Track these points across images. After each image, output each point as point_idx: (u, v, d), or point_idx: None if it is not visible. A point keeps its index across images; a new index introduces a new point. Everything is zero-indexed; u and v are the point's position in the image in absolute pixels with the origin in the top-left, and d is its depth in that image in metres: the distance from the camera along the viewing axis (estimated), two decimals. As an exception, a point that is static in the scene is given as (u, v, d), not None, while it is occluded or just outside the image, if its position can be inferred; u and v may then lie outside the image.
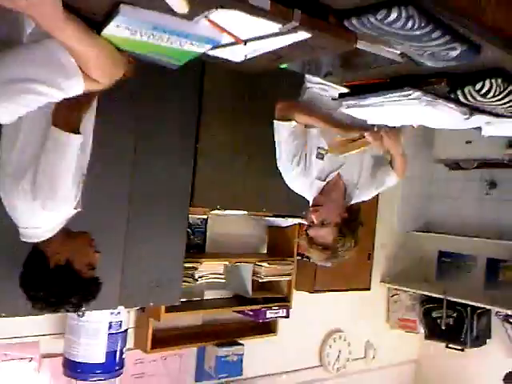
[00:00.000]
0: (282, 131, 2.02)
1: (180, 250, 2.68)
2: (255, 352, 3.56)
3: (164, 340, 3.07)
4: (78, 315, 2.55)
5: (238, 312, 3.43)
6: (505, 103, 1.52)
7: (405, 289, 4.45)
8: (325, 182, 2.09)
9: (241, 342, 3.40)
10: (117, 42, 1.20)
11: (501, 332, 4.13)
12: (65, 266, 1.60)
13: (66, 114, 1.44)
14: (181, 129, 2.65)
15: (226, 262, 3.22)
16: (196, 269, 2.99)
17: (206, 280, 3.10)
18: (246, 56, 1.31)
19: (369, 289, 4.21)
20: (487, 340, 4.24)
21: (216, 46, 1.26)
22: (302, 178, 2.07)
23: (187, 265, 2.86)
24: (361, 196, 2.22)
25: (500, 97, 1.47)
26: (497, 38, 1.26)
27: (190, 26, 1.14)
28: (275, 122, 2.04)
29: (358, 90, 1.77)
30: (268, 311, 3.39)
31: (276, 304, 3.45)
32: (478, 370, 4.28)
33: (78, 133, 1.45)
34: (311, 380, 4.04)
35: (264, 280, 3.34)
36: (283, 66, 1.44)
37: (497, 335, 4.20)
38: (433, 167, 4.73)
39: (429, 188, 4.83)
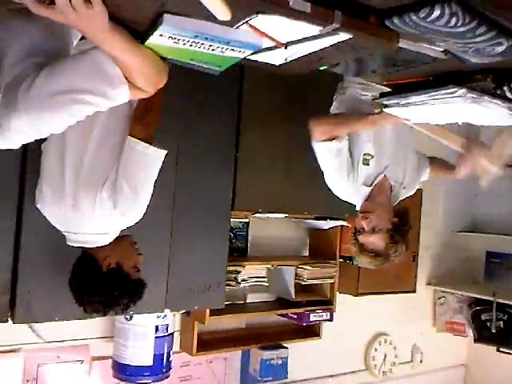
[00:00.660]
0: (323, 152, 2.02)
1: (223, 253, 2.70)
2: (300, 355, 3.55)
3: (209, 343, 3.10)
4: (126, 318, 2.62)
5: (282, 315, 3.43)
6: (555, 98, 1.47)
7: (452, 291, 4.34)
8: (371, 188, 2.07)
9: (285, 345, 3.40)
10: (160, 50, 1.23)
11: (555, 335, 3.97)
12: (116, 269, 1.67)
13: (144, 128, 1.56)
14: (221, 134, 2.68)
15: (269, 265, 3.22)
16: (239, 272, 3.01)
17: (248, 283, 3.12)
18: (286, 59, 1.32)
19: (414, 291, 4.13)
20: (541, 343, 4.08)
21: (257, 51, 1.27)
22: (349, 189, 2.07)
23: (230, 268, 2.89)
24: (406, 194, 2.21)
25: (550, 91, 1.42)
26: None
27: (231, 32, 1.15)
28: (313, 144, 2.03)
29: (400, 89, 1.75)
30: (311, 314, 3.37)
31: (319, 307, 3.43)
32: (531, 375, 4.13)
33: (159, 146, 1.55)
34: (356, 384, 4.00)
35: (307, 283, 3.32)
36: (323, 67, 1.44)
37: (551, 338, 4.03)
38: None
39: (474, 186, 4.69)
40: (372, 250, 2.00)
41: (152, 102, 1.55)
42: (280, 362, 3.31)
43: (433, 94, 1.58)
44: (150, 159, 1.56)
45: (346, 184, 2.04)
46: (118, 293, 1.66)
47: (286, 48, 1.21)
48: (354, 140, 2.03)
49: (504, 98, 1.55)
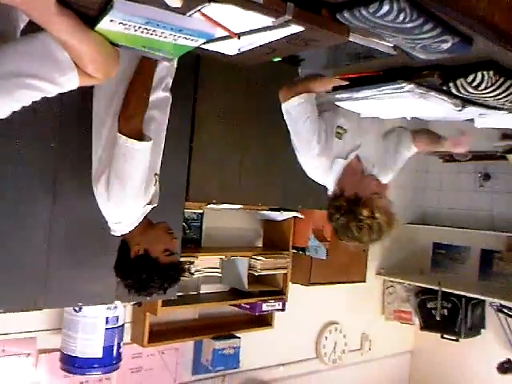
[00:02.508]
0: (293, 111, 1.92)
1: (176, 244, 2.68)
2: (252, 345, 3.58)
3: (161, 334, 3.08)
4: (75, 310, 2.57)
5: (234, 305, 3.45)
6: (496, 95, 1.53)
7: (400, 280, 4.48)
8: (346, 161, 1.98)
9: (237, 335, 3.42)
10: (111, 36, 1.20)
11: (495, 322, 4.18)
12: (143, 255, 1.77)
13: (129, 121, 1.66)
14: (176, 124, 2.63)
15: (222, 256, 3.23)
16: (192, 263, 3.00)
17: (202, 274, 3.12)
18: (239, 49, 1.32)
19: (364, 281, 4.25)
20: (481, 330, 4.28)
21: (210, 40, 1.26)
22: (322, 159, 1.94)
23: (183, 259, 2.87)
24: (380, 176, 2.13)
25: (491, 89, 1.48)
26: (488, 31, 1.27)
27: (183, 20, 1.14)
28: (282, 105, 1.95)
29: (352, 83, 1.79)
30: (264, 304, 3.41)
31: (272, 297, 3.47)
32: (472, 360, 4.33)
33: (143, 138, 1.66)
34: (307, 372, 4.08)
35: (260, 273, 3.35)
36: (276, 59, 1.45)
37: (491, 325, 4.24)
38: (427, 160, 4.76)
39: (424, 180, 4.86)
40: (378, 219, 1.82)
41: (130, 96, 1.68)
42: (232, 351, 3.34)
43: (382, 88, 1.62)
44: (131, 151, 1.63)
45: (317, 152, 1.92)
46: (145, 277, 1.76)
47: (239, 38, 1.21)
48: (327, 113, 1.99)
49: (449, 94, 1.60)
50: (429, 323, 4.30)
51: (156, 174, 1.85)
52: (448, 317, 4.15)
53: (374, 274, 4.52)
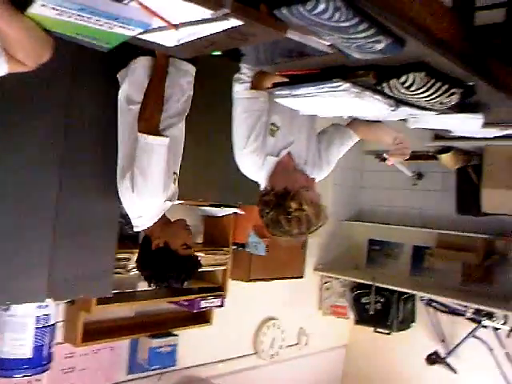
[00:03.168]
0: (239, 105, 1.93)
1: (112, 240, 2.60)
2: (190, 342, 3.56)
3: (95, 333, 3.00)
4: (5, 309, 2.45)
5: (173, 303, 3.41)
6: (427, 96, 1.60)
7: (336, 276, 4.60)
8: (278, 158, 2.00)
9: (175, 332, 3.39)
10: (44, 22, 1.15)
11: (424, 316, 4.37)
12: (164, 247, 1.98)
13: (147, 122, 1.91)
14: (111, 116, 2.57)
15: (160, 253, 3.18)
16: (129, 260, 2.93)
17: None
18: (178, 41, 1.30)
19: (302, 277, 4.32)
20: (412, 324, 4.47)
21: (147, 30, 1.23)
22: (255, 157, 1.95)
23: (120, 256, 2.81)
24: (313, 173, 2.15)
25: (423, 90, 1.54)
26: (420, 33, 1.32)
27: (119, 8, 1.11)
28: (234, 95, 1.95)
29: (292, 81, 1.81)
30: (203, 301, 3.40)
31: (211, 294, 3.46)
32: (403, 352, 4.52)
33: (161, 134, 1.92)
34: (246, 368, 4.11)
35: (199, 270, 3.32)
36: (216, 52, 1.44)
37: (421, 319, 4.44)
38: (363, 158, 4.90)
39: (360, 179, 5.01)
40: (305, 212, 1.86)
41: (146, 101, 1.94)
42: (169, 349, 3.30)
43: (320, 86, 1.64)
44: (150, 147, 1.88)
45: (252, 149, 1.92)
46: (164, 268, 1.97)
47: (177, 29, 1.19)
48: (265, 108, 1.96)
49: (384, 94, 1.65)
50: (363, 317, 4.44)
51: (175, 173, 2.07)
52: (381, 311, 4.31)
53: (312, 269, 4.61)
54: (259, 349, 4.21)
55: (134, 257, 2.97)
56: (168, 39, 1.31)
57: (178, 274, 2.02)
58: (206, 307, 3.44)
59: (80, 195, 2.45)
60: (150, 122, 1.94)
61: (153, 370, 3.34)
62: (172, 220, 2.10)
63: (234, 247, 3.64)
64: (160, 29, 1.23)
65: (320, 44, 1.33)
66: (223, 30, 1.18)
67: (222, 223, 3.58)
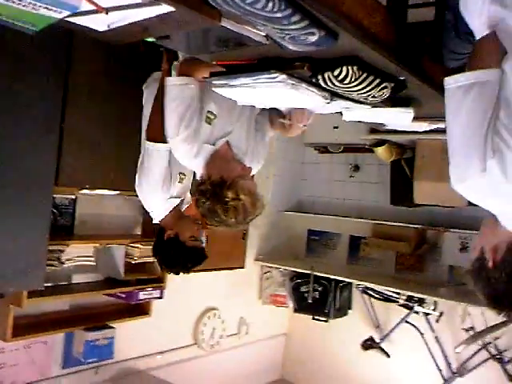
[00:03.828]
0: (171, 91, 1.91)
1: (43, 231, 2.52)
2: (128, 334, 3.50)
3: (27, 327, 2.88)
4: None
5: (110, 295, 3.33)
6: (360, 90, 1.64)
7: (276, 266, 4.65)
8: (214, 147, 1.99)
9: (112, 325, 3.32)
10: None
11: (360, 303, 4.51)
12: (174, 238, 2.17)
13: (151, 133, 2.05)
14: (46, 101, 2.47)
15: (96, 244, 3.10)
16: (62, 251, 2.84)
17: (73, 263, 2.97)
18: (109, 26, 1.26)
19: (243, 267, 4.34)
20: (349, 311, 4.61)
21: (76, 13, 1.19)
22: (186, 146, 1.94)
23: (52, 247, 2.71)
24: (252, 164, 2.16)
25: (355, 83, 1.58)
26: (352, 27, 1.35)
27: (44, -12, 1.07)
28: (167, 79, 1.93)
29: (229, 70, 1.80)
30: (141, 293, 3.34)
31: (150, 285, 3.41)
32: (340, 339, 4.65)
33: (164, 141, 2.00)
34: (186, 359, 4.08)
35: (137, 261, 3.27)
36: (149, 39, 1.41)
37: (357, 306, 4.58)
38: (304, 150, 4.98)
39: (300, 170, 5.08)
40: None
41: (151, 117, 2.05)
42: (106, 342, 3.23)
43: (257, 77, 1.65)
44: (148, 152, 2.07)
45: (183, 137, 1.91)
46: (173, 255, 2.20)
47: (107, 13, 1.16)
48: (200, 96, 1.95)
49: (319, 87, 1.68)
50: (302, 306, 4.53)
51: (182, 173, 2.23)
52: (319, 299, 4.40)
53: (253, 260, 4.64)
54: (199, 339, 4.20)
55: (68, 248, 2.90)
56: (99, 23, 1.27)
57: (184, 263, 2.21)
58: (144, 299, 3.38)
59: (10, 183, 2.35)
60: (153, 132, 2.05)
61: (89, 363, 3.26)
62: (183, 214, 2.30)
63: (174, 238, 3.60)
64: (89, 12, 1.19)
65: (255, 34, 1.33)
66: (156, 16, 1.16)
67: (162, 214, 3.52)
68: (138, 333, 3.61)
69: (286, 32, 1.23)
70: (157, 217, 2.25)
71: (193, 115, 1.91)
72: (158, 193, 2.15)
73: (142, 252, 3.30)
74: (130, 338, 3.54)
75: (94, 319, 3.26)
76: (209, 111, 1.97)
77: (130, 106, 2.85)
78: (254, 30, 1.31)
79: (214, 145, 1.99)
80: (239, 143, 2.10)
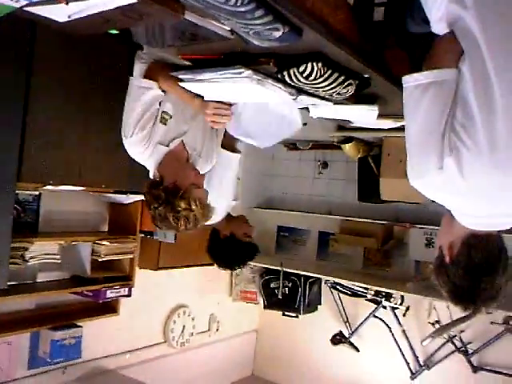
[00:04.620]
0: (136, 91, 1.90)
1: (6, 229, 2.45)
2: (97, 333, 3.46)
3: (-10, 327, 2.82)
4: None
5: (76, 293, 3.28)
6: (325, 86, 1.65)
7: (247, 262, 4.65)
8: (168, 148, 1.98)
9: (79, 324, 3.27)
10: None
11: (329, 298, 4.56)
12: (230, 236, 2.40)
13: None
14: (7, 93, 2.40)
15: (62, 242, 3.04)
16: (26, 249, 2.78)
17: (38, 261, 2.90)
18: (69, 16, 1.23)
19: (213, 264, 4.30)
20: (318, 306, 4.65)
21: (34, 3, 1.16)
22: (140, 147, 1.93)
23: (16, 245, 2.65)
24: (205, 166, 2.17)
25: (320, 80, 1.59)
26: (316, 24, 1.36)
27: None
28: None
29: (196, 65, 1.79)
30: (108, 291, 3.29)
31: (117, 283, 3.37)
32: (310, 334, 4.69)
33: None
34: (155, 357, 4.05)
35: (104, 259, 3.22)
36: (113, 31, 1.38)
37: (326, 301, 4.62)
38: (273, 147, 4.97)
39: (270, 167, 5.09)
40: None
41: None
42: (73, 341, 3.18)
43: (223, 72, 1.64)
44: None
45: (137, 139, 1.91)
46: (231, 253, 2.42)
47: (67, 4, 1.13)
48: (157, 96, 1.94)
49: (284, 83, 1.68)
50: (272, 302, 4.55)
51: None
52: (289, 295, 4.43)
53: (223, 257, 4.63)
54: (169, 337, 4.17)
55: (33, 246, 2.84)
56: (58, 14, 1.24)
57: (243, 258, 2.46)
58: (112, 297, 3.34)
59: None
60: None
61: (56, 363, 3.20)
62: (233, 215, 2.51)
63: (142, 235, 3.57)
64: (48, 2, 1.16)
65: (219, 28, 1.33)
66: (117, 8, 1.14)
67: (129, 210, 3.48)
68: (107, 331, 3.56)
69: (251, 27, 1.23)
70: (214, 220, 2.23)
71: (150, 118, 1.91)
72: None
73: (109, 249, 3.25)
74: (98, 337, 3.49)
75: (61, 318, 3.20)
76: (164, 111, 1.96)
77: (98, 98, 2.82)
78: (219, 25, 1.30)
79: (168, 146, 1.98)
80: (194, 143, 2.10)
